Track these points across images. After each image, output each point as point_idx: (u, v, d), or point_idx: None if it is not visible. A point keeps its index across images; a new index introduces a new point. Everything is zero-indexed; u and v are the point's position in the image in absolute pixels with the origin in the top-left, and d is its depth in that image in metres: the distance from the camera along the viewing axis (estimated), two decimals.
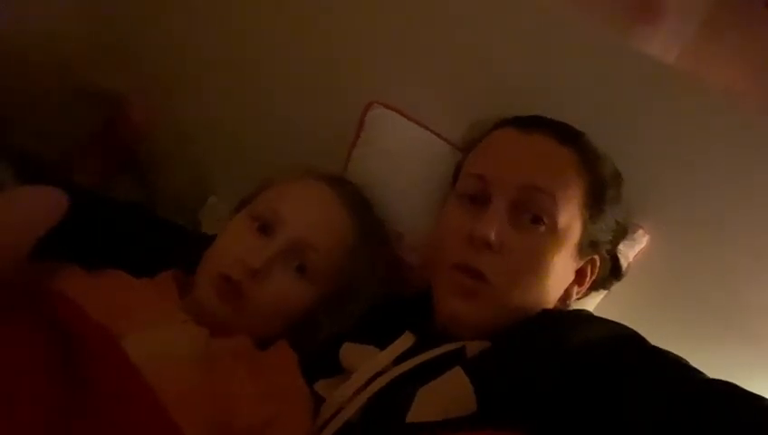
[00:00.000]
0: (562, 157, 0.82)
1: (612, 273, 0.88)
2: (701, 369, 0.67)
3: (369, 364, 0.79)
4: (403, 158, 1.00)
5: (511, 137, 0.85)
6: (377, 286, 0.91)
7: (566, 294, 0.84)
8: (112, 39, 1.23)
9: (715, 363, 0.71)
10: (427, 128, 1.01)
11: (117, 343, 0.69)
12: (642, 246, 0.94)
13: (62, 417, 0.62)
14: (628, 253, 0.92)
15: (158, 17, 1.22)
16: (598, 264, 0.85)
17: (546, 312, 0.80)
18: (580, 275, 0.84)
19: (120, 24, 1.25)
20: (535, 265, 0.78)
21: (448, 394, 0.70)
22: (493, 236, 0.76)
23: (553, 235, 0.79)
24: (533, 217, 0.79)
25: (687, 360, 0.69)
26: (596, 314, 0.86)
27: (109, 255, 0.86)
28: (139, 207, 0.98)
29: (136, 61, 1.23)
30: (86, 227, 0.84)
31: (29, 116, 1.14)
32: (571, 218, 0.80)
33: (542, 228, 0.79)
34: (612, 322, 0.77)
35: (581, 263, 0.83)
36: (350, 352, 0.82)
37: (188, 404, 0.69)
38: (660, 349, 0.70)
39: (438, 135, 1.00)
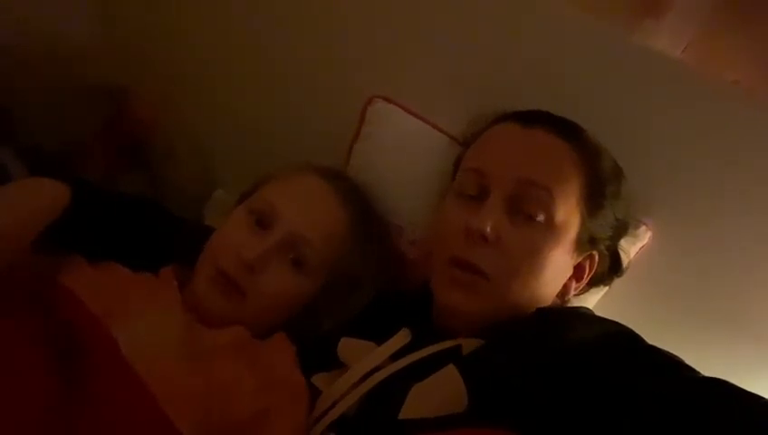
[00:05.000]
0: (561, 152, 0.81)
1: (612, 269, 0.87)
2: (703, 367, 0.66)
3: (365, 360, 0.79)
4: (404, 152, 1.00)
5: (510, 131, 0.84)
6: (375, 280, 0.91)
7: (564, 289, 0.84)
8: (118, 35, 1.24)
9: (716, 362, 0.71)
10: (428, 122, 1.01)
11: (114, 340, 0.70)
12: (644, 242, 0.93)
13: (60, 415, 0.63)
14: (630, 249, 0.91)
15: (164, 14, 1.23)
16: (596, 259, 0.85)
17: (542, 310, 0.80)
18: (578, 271, 0.84)
19: (126, 20, 1.26)
20: (532, 259, 0.78)
21: (440, 392, 0.70)
22: (488, 229, 0.76)
23: (550, 229, 0.78)
24: (530, 211, 0.78)
25: (688, 357, 0.68)
26: (596, 310, 0.85)
27: (112, 246, 0.87)
28: (143, 200, 0.98)
29: (142, 56, 1.24)
30: (89, 219, 0.84)
31: (36, 111, 1.16)
32: (568, 214, 0.79)
33: (540, 223, 0.78)
34: (608, 320, 0.76)
35: (580, 258, 0.83)
36: (348, 347, 0.82)
37: (183, 398, 0.69)
38: (655, 348, 0.69)
39: (439, 129, 1.00)
